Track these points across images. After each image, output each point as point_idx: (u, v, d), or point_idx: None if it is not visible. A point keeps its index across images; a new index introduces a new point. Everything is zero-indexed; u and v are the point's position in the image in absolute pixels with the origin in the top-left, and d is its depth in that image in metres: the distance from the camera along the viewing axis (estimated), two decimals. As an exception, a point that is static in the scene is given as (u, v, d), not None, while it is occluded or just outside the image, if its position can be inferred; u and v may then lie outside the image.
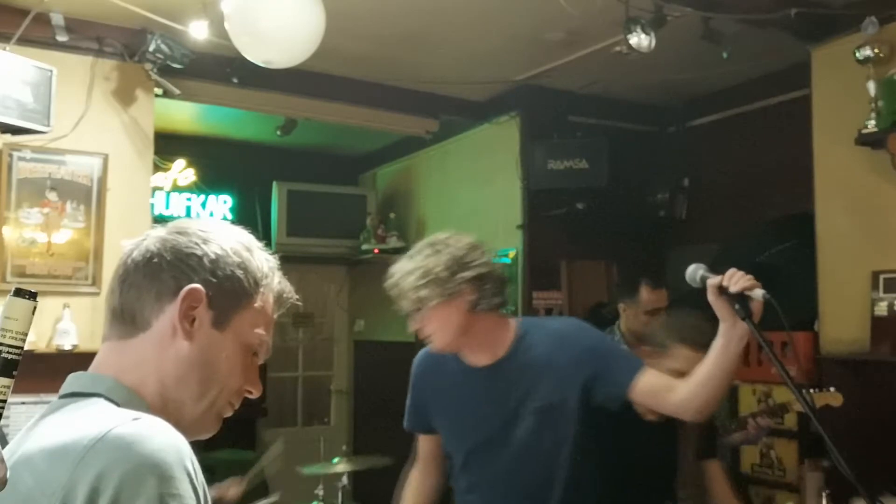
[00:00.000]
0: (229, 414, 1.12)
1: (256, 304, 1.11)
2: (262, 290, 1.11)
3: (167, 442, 0.90)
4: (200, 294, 1.05)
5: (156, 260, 1.06)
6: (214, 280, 1.07)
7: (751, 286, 1.80)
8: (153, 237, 1.09)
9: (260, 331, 1.11)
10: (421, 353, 2.36)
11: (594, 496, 2.19)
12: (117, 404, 0.99)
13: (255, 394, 1.13)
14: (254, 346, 1.12)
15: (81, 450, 0.87)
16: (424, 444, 2.42)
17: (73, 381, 1.05)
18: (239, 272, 1.09)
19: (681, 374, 2.16)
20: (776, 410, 3.30)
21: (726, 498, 2.64)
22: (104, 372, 1.05)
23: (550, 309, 4.94)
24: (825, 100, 3.69)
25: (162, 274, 1.05)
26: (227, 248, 1.09)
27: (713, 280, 1.84)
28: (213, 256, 1.07)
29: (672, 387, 2.05)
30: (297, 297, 1.18)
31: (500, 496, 2.19)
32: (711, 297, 1.85)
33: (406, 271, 2.19)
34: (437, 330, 2.17)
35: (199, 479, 0.93)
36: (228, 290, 1.08)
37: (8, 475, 0.79)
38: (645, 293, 3.49)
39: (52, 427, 0.96)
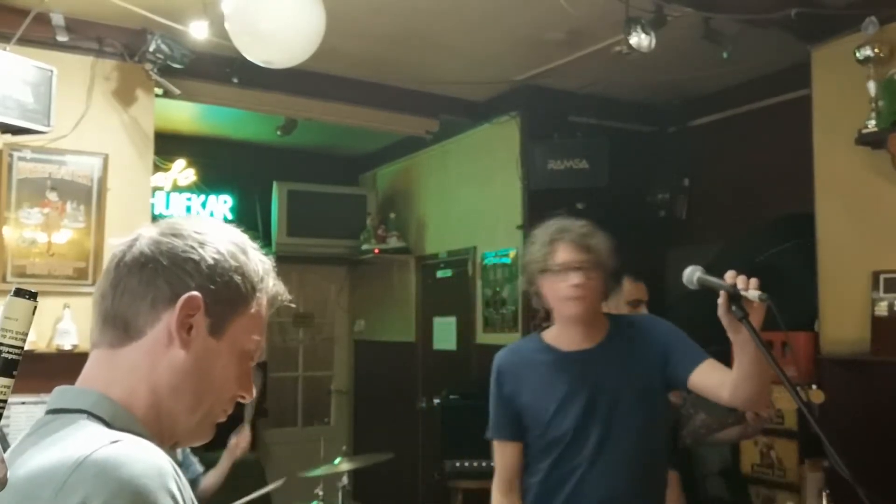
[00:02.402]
0: (223, 420, 1.09)
1: (252, 310, 1.07)
2: (258, 294, 1.08)
3: (148, 465, 0.87)
4: (198, 302, 1.01)
5: (151, 265, 1.01)
6: (212, 287, 1.02)
7: (746, 286, 1.82)
8: (146, 239, 1.04)
9: (256, 336, 1.08)
10: (500, 354, 2.41)
11: (665, 475, 2.40)
12: (104, 420, 0.96)
13: (247, 399, 1.10)
14: (250, 353, 1.08)
15: (61, 477, 0.85)
16: (510, 457, 2.36)
17: (58, 395, 1.01)
18: (237, 278, 1.05)
19: None
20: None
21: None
22: (91, 385, 1.01)
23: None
24: (825, 100, 3.69)
25: (157, 280, 1.01)
26: (223, 251, 1.05)
27: (722, 300, 1.87)
28: (210, 262, 1.03)
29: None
30: (291, 297, 1.14)
31: (602, 474, 2.24)
32: (722, 310, 1.88)
33: (592, 228, 2.30)
34: (593, 293, 2.27)
35: (186, 496, 0.91)
36: (225, 296, 1.04)
37: (8, 475, 0.79)
38: (627, 284, 3.47)
39: (33, 450, 0.93)
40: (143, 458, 0.88)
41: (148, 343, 1.01)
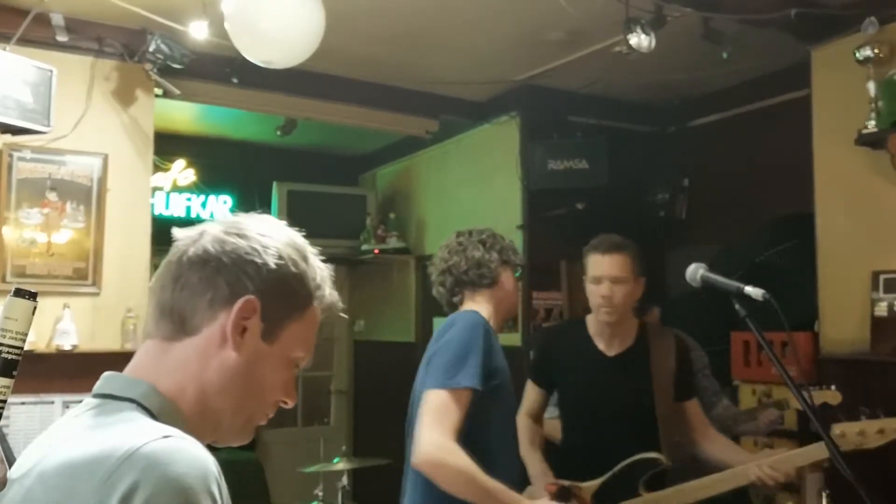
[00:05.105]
0: (263, 423, 1.10)
1: (306, 317, 1.08)
2: (314, 302, 1.09)
3: (194, 465, 0.88)
4: (255, 305, 1.02)
5: (213, 263, 1.02)
6: (270, 291, 1.03)
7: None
8: (210, 236, 1.05)
9: (306, 344, 1.09)
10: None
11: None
12: (150, 411, 0.97)
13: (290, 404, 1.11)
14: (298, 360, 1.09)
15: (109, 467, 0.86)
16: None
17: (107, 381, 1.02)
18: (295, 284, 1.06)
19: None
20: (781, 403, 3.35)
21: (703, 430, 2.75)
22: (141, 375, 1.02)
23: (550, 309, 4.94)
24: (825, 100, 3.69)
25: (218, 279, 1.02)
26: (285, 257, 1.05)
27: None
28: (272, 266, 1.04)
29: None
30: (344, 307, 1.15)
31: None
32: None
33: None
34: None
35: (225, 498, 0.92)
36: (282, 302, 1.05)
37: (8, 475, 0.79)
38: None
39: (81, 434, 0.94)
40: (191, 456, 0.89)
41: (202, 341, 1.02)
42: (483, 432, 2.25)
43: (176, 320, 1.03)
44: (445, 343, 2.29)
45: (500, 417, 2.36)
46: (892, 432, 2.35)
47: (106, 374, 1.03)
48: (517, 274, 2.52)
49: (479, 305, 2.43)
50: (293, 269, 1.06)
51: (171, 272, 1.04)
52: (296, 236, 1.10)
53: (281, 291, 1.05)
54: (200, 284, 1.02)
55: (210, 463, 0.91)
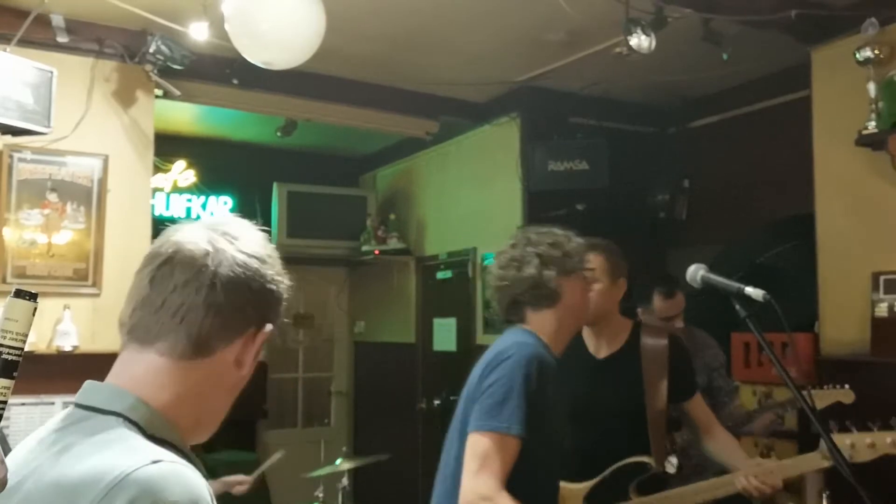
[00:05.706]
0: None
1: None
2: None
3: (186, 491, 0.88)
4: (274, 334, 1.09)
5: (243, 290, 1.03)
6: (276, 318, 1.09)
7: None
8: (230, 257, 1.03)
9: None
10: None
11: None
12: (137, 425, 0.96)
13: None
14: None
15: (99, 492, 0.85)
16: None
17: (91, 392, 1.00)
18: (284, 305, 1.12)
19: None
20: (784, 404, 3.38)
21: (708, 427, 2.69)
22: (131, 386, 0.99)
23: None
24: (825, 101, 3.69)
25: (248, 309, 1.04)
26: (287, 283, 1.11)
27: None
28: (284, 297, 1.10)
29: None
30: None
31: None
32: None
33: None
34: None
35: None
36: (276, 324, 1.11)
37: (8, 476, 0.78)
38: (658, 302, 3.54)
39: (68, 454, 0.93)
40: (183, 482, 0.89)
41: (213, 363, 1.03)
42: (527, 474, 2.10)
43: (194, 341, 1.01)
44: (496, 381, 2.11)
45: (545, 459, 2.18)
46: (883, 447, 2.25)
47: (88, 382, 1.02)
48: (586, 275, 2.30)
49: (540, 325, 2.23)
50: (287, 293, 1.11)
51: (203, 294, 1.01)
52: (275, 252, 1.13)
53: (279, 315, 1.11)
54: (233, 312, 1.03)
55: (202, 488, 0.90)
